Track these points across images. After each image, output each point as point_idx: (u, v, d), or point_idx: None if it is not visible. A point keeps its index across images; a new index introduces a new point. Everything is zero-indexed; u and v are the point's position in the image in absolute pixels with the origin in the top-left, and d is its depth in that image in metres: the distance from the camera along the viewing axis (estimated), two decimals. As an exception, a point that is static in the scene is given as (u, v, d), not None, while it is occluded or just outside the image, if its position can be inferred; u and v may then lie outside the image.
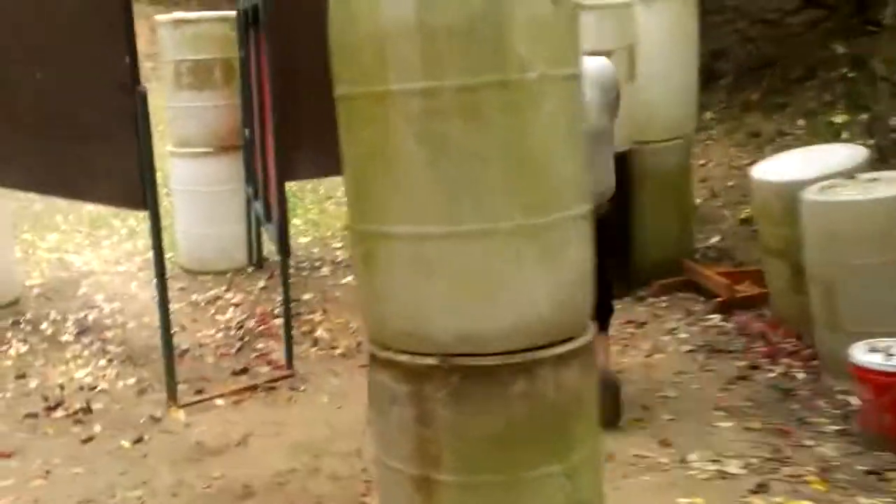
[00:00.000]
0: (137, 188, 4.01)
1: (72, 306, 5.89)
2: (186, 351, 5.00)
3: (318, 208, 8.57)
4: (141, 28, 14.61)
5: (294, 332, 4.80)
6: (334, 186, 9.16)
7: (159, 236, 4.12)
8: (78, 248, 7.42)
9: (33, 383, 4.63)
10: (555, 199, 2.01)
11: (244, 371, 4.64)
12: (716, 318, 4.86)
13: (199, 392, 4.35)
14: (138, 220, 8.19)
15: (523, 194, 1.98)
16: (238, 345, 5.04)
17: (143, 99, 3.96)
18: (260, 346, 5.01)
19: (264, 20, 4.27)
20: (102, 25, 3.96)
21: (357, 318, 5.36)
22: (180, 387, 4.31)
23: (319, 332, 5.18)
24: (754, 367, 4.17)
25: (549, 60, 1.98)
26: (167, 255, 7.01)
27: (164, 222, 8.08)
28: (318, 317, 5.46)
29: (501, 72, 1.95)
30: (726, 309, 4.91)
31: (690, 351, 4.44)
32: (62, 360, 4.94)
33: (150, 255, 7.13)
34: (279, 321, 5.38)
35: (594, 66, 3.48)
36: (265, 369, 4.65)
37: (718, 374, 4.15)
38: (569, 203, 2.04)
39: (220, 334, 5.26)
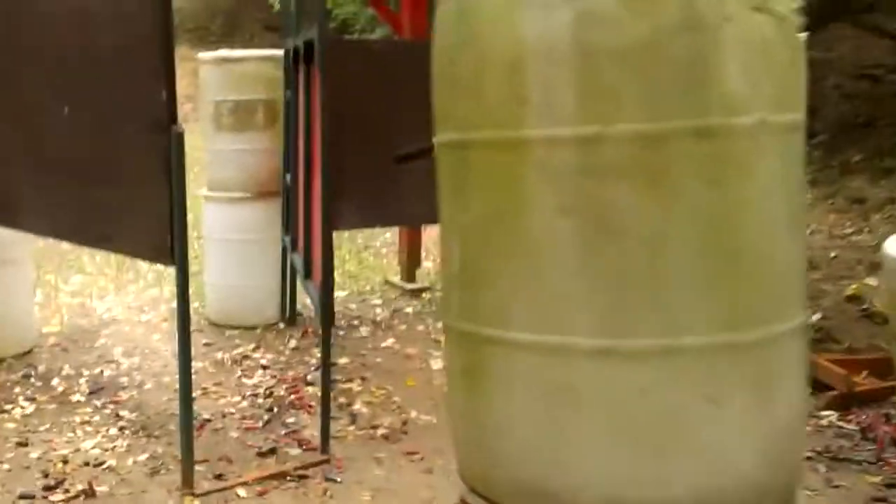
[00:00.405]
0: (165, 240, 3.36)
1: (88, 360, 5.22)
2: (208, 421, 4.31)
3: (355, 259, 7.92)
4: (183, 70, 14.16)
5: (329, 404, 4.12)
6: (373, 235, 8.52)
7: (186, 298, 3.45)
8: (101, 292, 6.76)
9: (35, 453, 3.94)
10: (769, 304, 1.32)
11: (272, 452, 3.92)
12: (831, 416, 4.09)
13: (219, 477, 3.63)
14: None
15: (723, 297, 1.29)
16: (266, 417, 4.33)
17: (179, 140, 3.31)
18: (290, 419, 4.31)
19: (321, 56, 3.65)
20: (139, 59, 3.35)
21: (400, 390, 4.69)
22: (198, 468, 3.60)
23: (358, 406, 4.47)
24: (892, 486, 3.41)
25: (770, 101, 1.30)
26: (193, 306, 6.41)
27: (193, 268, 7.55)
28: (356, 386, 4.76)
29: (700, 115, 1.28)
30: (843, 405, 4.12)
31: (808, 458, 3.67)
32: (70, 425, 4.25)
33: (174, 304, 6.64)
34: (312, 389, 4.71)
35: None
36: (296, 450, 3.93)
37: (850, 493, 3.38)
38: (788, 311, 1.35)
39: (245, 402, 4.56)
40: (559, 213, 1.32)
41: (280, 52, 5.62)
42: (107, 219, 3.68)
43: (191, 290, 6.64)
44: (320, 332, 3.97)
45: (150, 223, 3.44)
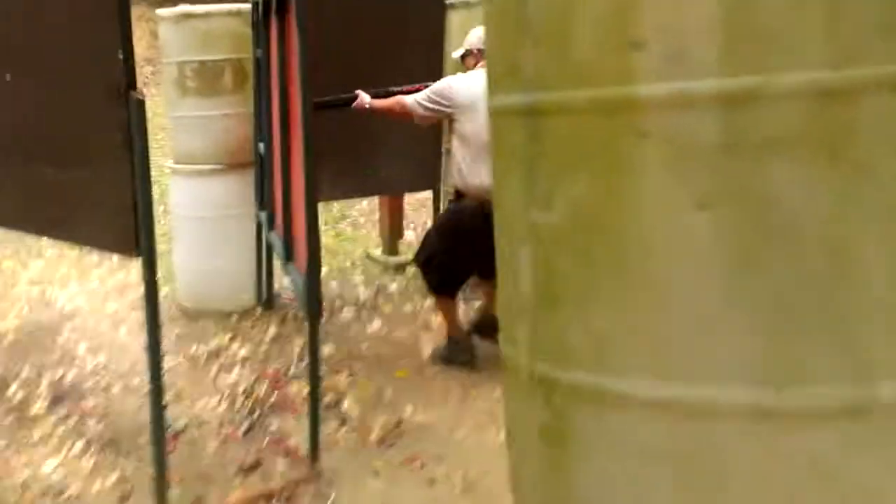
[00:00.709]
0: (128, 227, 2.91)
1: (49, 360, 4.73)
2: (182, 431, 3.89)
3: (332, 231, 7.48)
4: (141, 30, 13.53)
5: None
6: (349, 203, 8.04)
7: (155, 299, 3.00)
8: (63, 279, 6.24)
9: (-11, 478, 3.51)
10: None
11: (255, 466, 3.50)
12: None
13: (198, 501, 3.23)
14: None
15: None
16: (247, 423, 3.91)
17: (140, 108, 2.84)
18: (274, 425, 3.90)
19: (298, 3, 3.18)
20: (90, 14, 2.87)
21: (391, 382, 4.29)
22: (173, 489, 3.18)
23: (347, 405, 4.04)
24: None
25: None
26: (163, 291, 5.95)
27: (161, 247, 7.05)
28: (342, 380, 4.33)
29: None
30: None
31: None
32: (29, 441, 3.80)
33: (142, 292, 6.16)
34: (296, 385, 4.29)
35: None
36: (282, 462, 3.53)
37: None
38: None
39: (223, 405, 4.12)
40: (694, 206, 0.91)
41: (247, 6, 5.12)
42: (57, 201, 3.19)
43: (160, 274, 6.23)
44: (306, 323, 3.56)
45: (109, 207, 2.97)
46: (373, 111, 4.28)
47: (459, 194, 4.11)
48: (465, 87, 3.94)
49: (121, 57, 2.75)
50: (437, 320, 4.48)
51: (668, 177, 0.94)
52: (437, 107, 4.02)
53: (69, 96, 3.01)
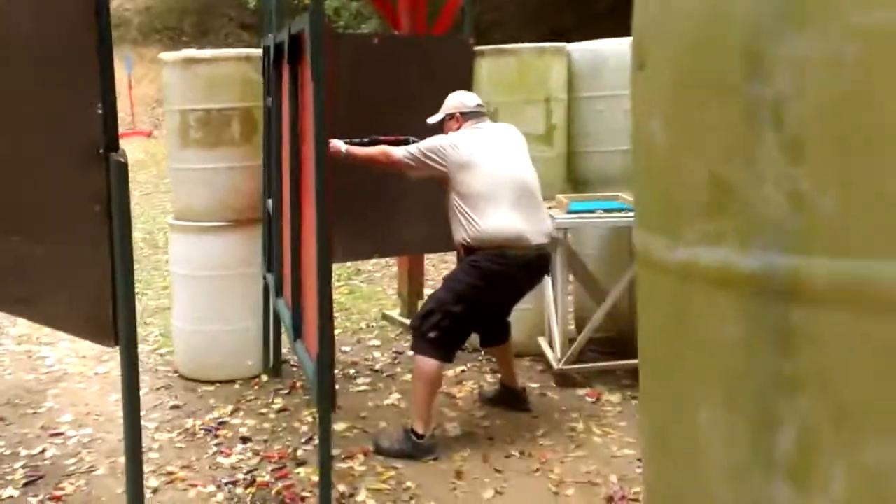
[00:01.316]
0: (104, 313, 2.39)
1: (28, 434, 4.18)
2: (174, 526, 3.33)
3: (346, 288, 6.94)
4: (154, 73, 13.15)
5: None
6: (362, 257, 7.53)
7: (136, 391, 2.46)
8: (52, 336, 5.72)
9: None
10: None
11: (258, 580, 2.95)
12: None
13: None
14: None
15: None
16: (248, 518, 3.36)
17: (121, 172, 2.31)
18: (279, 521, 3.34)
19: (314, 50, 2.66)
20: (67, 59, 2.36)
21: (412, 469, 3.72)
22: None
23: (363, 498, 3.51)
24: None
25: None
26: (160, 352, 5.42)
27: (163, 301, 6.54)
28: (357, 465, 3.77)
29: None
30: None
31: None
32: (-6, 536, 3.27)
33: (140, 349, 5.62)
34: (303, 471, 3.73)
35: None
36: (289, 574, 2.97)
37: None
38: None
39: (221, 494, 3.54)
40: None
41: (257, 52, 4.64)
42: (26, 278, 2.67)
43: (159, 333, 5.70)
44: (316, 413, 3.01)
45: (84, 289, 2.44)
46: (352, 158, 3.93)
47: (470, 250, 3.76)
48: (459, 146, 3.77)
49: (100, 111, 2.24)
50: (417, 395, 3.77)
51: None
52: (430, 163, 3.79)
53: (42, 157, 2.49)
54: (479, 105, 3.96)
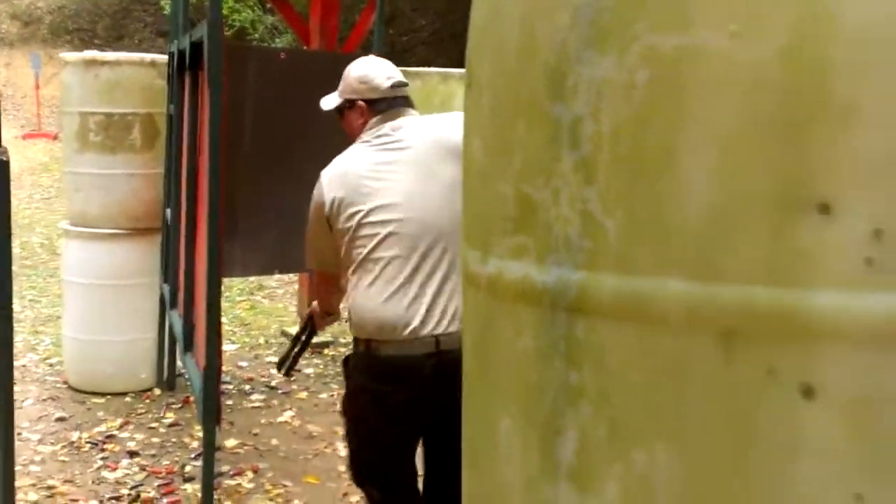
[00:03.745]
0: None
1: None
2: (50, 542, 3.22)
3: (248, 303, 6.84)
4: (57, 69, 12.73)
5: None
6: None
7: (10, 398, 2.37)
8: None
9: None
10: None
11: None
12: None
13: None
14: (20, 304, 6.35)
15: None
16: (129, 534, 3.27)
17: (3, 171, 2.27)
18: (162, 538, 3.26)
19: (211, 57, 2.64)
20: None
21: (301, 487, 3.68)
22: None
23: (250, 514, 3.45)
24: None
25: None
26: (50, 362, 5.24)
27: (53, 310, 6.32)
28: (245, 482, 3.70)
29: None
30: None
31: None
32: None
33: (25, 362, 5.41)
34: (190, 487, 3.65)
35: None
36: None
37: None
38: None
39: (104, 510, 3.47)
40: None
41: (163, 58, 4.56)
42: None
43: (50, 342, 5.51)
44: (201, 428, 2.96)
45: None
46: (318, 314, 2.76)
47: (367, 346, 2.34)
48: (324, 188, 2.38)
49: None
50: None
51: (857, 473, 0.45)
52: (316, 234, 2.45)
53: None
54: (396, 84, 2.42)
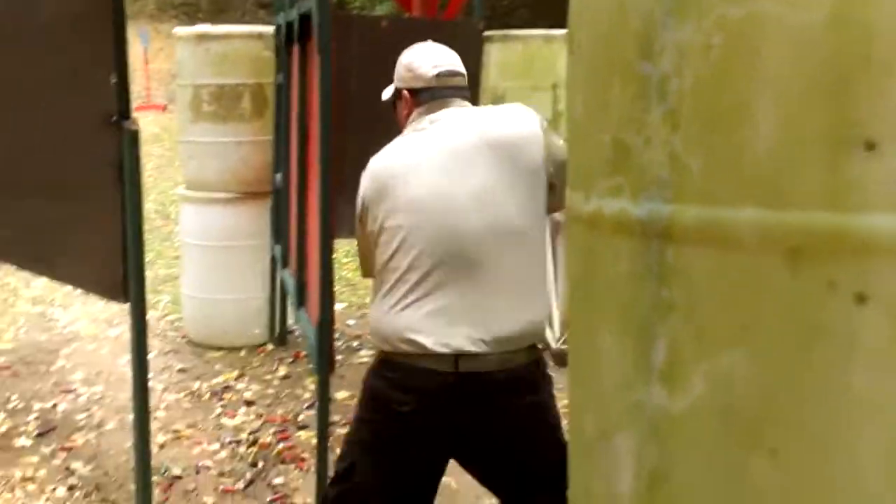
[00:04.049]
0: (115, 271, 2.53)
1: (41, 389, 4.36)
2: (178, 478, 3.49)
3: (353, 263, 7.07)
4: (170, 48, 13.28)
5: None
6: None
7: (143, 346, 2.61)
8: (66, 299, 5.89)
9: (-41, 524, 3.14)
10: None
11: (254, 529, 3.11)
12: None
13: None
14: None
15: None
16: (248, 475, 3.52)
17: (133, 140, 2.45)
18: (278, 479, 3.49)
19: (320, 30, 2.80)
20: (83, 31, 2.50)
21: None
22: (161, 557, 2.80)
23: (360, 459, 3.65)
24: None
25: None
26: (169, 319, 5.58)
27: (173, 270, 6.69)
28: (356, 429, 3.94)
29: None
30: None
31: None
32: (9, 482, 3.42)
33: (150, 315, 5.76)
34: (304, 434, 3.88)
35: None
36: (285, 527, 3.13)
37: None
38: None
39: (224, 452, 3.72)
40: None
41: (270, 29, 4.76)
42: (43, 237, 2.81)
43: (168, 300, 5.85)
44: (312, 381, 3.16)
45: (97, 248, 2.58)
46: None
47: (388, 362, 2.11)
48: (369, 180, 2.17)
49: (113, 81, 2.37)
50: None
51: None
52: (358, 238, 2.28)
53: (58, 124, 2.62)
54: (444, 73, 2.18)
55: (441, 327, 1.98)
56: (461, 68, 2.22)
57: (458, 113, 2.13)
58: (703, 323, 0.64)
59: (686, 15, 0.62)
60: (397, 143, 2.19)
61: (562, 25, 5.38)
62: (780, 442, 0.62)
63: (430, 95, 2.15)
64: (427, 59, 2.21)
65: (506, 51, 5.02)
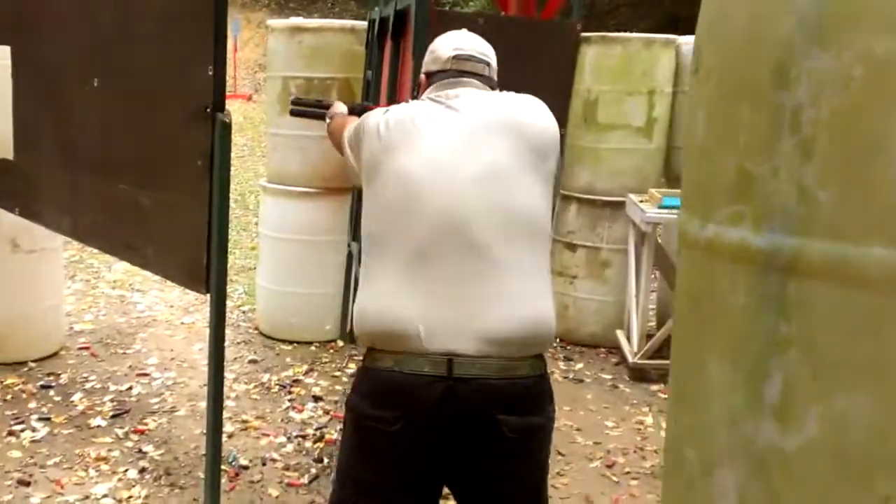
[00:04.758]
0: (199, 261, 2.60)
1: (117, 371, 4.51)
2: (245, 468, 3.57)
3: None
4: (260, 37, 13.54)
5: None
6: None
7: (221, 334, 2.68)
8: (144, 284, 6.08)
9: (37, 497, 3.23)
10: None
11: (317, 525, 3.15)
12: None
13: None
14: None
15: None
16: (314, 470, 3.57)
17: (225, 131, 2.50)
18: (345, 477, 3.55)
19: (419, 27, 2.83)
20: (183, 24, 2.57)
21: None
22: (225, 548, 2.86)
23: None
24: None
25: None
26: (243, 310, 5.70)
27: (248, 262, 6.83)
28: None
29: None
30: None
31: None
32: (83, 460, 3.54)
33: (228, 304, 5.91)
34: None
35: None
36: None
37: None
38: None
39: (291, 445, 3.78)
40: None
41: (362, 24, 4.82)
42: (133, 226, 2.91)
43: (243, 291, 5.98)
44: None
45: (182, 238, 2.66)
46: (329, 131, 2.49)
47: (367, 356, 1.91)
48: (382, 128, 1.95)
49: (210, 74, 2.44)
50: None
51: None
52: (350, 154, 2.10)
53: (153, 111, 2.71)
54: (462, 55, 2.05)
55: (436, 320, 1.74)
56: (485, 56, 2.08)
57: (477, 93, 1.98)
58: (823, 361, 0.63)
59: (827, 45, 0.61)
60: (415, 104, 2.00)
61: (662, 27, 5.23)
62: (895, 490, 0.61)
63: (444, 76, 2.02)
64: (449, 41, 2.09)
65: (603, 53, 4.97)
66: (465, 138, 1.86)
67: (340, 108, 2.48)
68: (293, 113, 2.66)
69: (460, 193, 1.80)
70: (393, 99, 3.57)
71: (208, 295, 2.54)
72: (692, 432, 0.75)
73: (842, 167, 0.62)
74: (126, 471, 3.47)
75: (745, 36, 0.69)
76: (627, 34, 5.12)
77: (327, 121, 2.48)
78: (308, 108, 2.67)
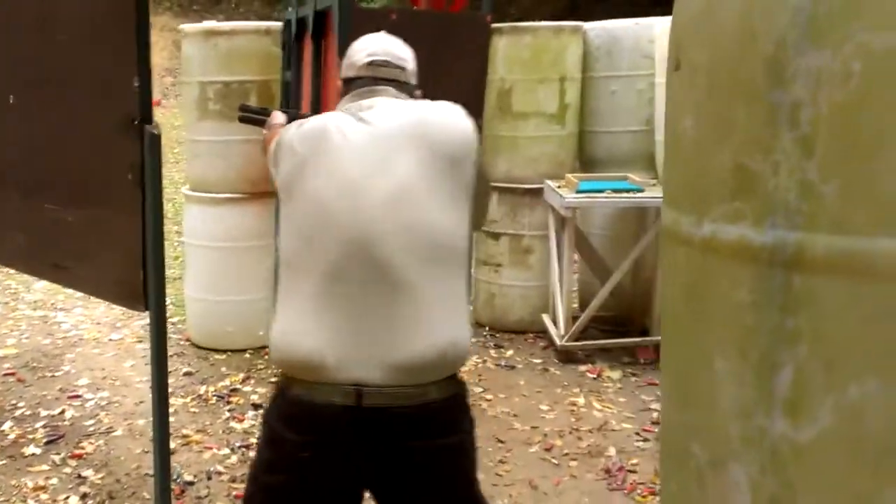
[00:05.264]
0: (135, 278, 2.52)
1: (47, 395, 4.33)
2: (190, 485, 3.48)
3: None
4: (164, 41, 13.15)
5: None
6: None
7: (164, 353, 2.61)
8: (68, 303, 5.86)
9: (-30, 535, 3.12)
10: None
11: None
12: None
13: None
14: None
15: None
16: (264, 480, 3.52)
17: (154, 144, 2.43)
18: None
19: (342, 26, 2.78)
20: (105, 33, 2.47)
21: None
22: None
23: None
24: None
25: None
26: (172, 321, 5.55)
27: (172, 272, 6.66)
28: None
29: None
30: None
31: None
32: (21, 490, 3.41)
33: (148, 321, 5.76)
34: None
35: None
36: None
37: None
38: None
39: (235, 457, 3.70)
40: None
41: (277, 25, 4.74)
42: (61, 246, 2.81)
43: (170, 302, 5.83)
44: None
45: (116, 255, 2.57)
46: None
47: (286, 396, 1.86)
48: (296, 144, 1.88)
49: (136, 85, 2.36)
50: None
51: None
52: (271, 167, 2.00)
53: (77, 127, 2.62)
54: (376, 61, 1.99)
55: (345, 349, 1.72)
56: (402, 60, 2.01)
57: (391, 104, 1.90)
58: (833, 352, 0.64)
59: (823, 41, 0.62)
60: (329, 117, 1.92)
61: (563, 14, 5.29)
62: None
63: (360, 83, 1.96)
64: (363, 47, 2.01)
65: (514, 43, 5.01)
66: (376, 154, 1.80)
67: (279, 118, 2.37)
68: (241, 119, 2.61)
69: (369, 219, 1.75)
70: (318, 101, 3.53)
71: (147, 312, 2.47)
72: (698, 428, 0.76)
73: (845, 161, 0.63)
74: (67, 498, 3.35)
75: (739, 33, 0.69)
76: (536, 23, 5.17)
77: (264, 132, 2.39)
78: (254, 115, 2.61)
